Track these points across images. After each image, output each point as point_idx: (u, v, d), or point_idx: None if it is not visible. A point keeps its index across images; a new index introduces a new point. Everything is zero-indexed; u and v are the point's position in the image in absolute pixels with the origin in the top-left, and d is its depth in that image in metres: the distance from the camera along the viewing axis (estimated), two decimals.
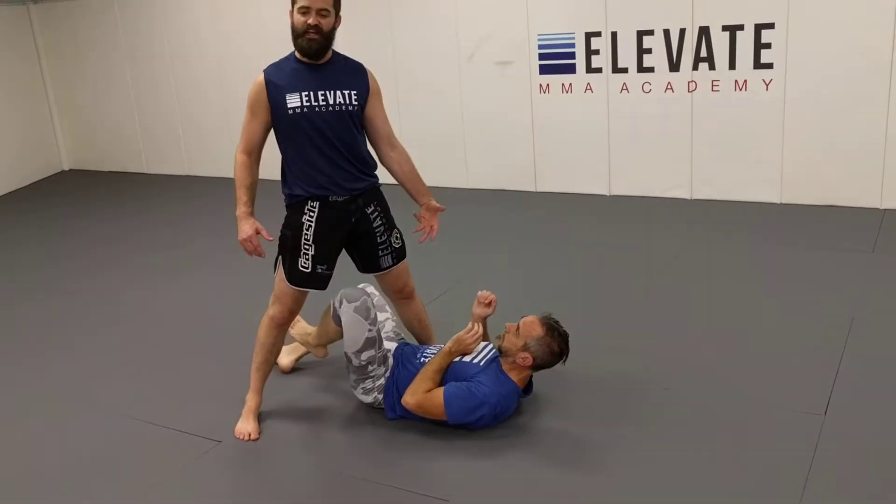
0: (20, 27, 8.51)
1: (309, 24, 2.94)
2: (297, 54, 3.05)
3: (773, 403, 3.10)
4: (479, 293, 3.25)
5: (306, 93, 3.01)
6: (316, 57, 3.02)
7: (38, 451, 3.20)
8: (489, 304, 3.23)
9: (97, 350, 4.13)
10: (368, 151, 3.20)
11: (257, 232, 3.08)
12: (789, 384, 3.24)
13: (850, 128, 5.34)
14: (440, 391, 2.98)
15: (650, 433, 2.98)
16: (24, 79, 8.57)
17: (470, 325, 3.13)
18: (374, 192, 3.23)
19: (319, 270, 3.12)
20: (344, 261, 3.31)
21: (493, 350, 3.13)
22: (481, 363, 3.08)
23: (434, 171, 6.76)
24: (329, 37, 3.01)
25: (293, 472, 2.94)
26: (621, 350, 3.64)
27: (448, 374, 3.06)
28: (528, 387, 3.14)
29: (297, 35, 2.98)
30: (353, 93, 3.07)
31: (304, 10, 2.94)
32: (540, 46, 6.18)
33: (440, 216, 3.37)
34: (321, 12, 2.95)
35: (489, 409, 2.96)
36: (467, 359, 3.10)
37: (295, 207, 3.13)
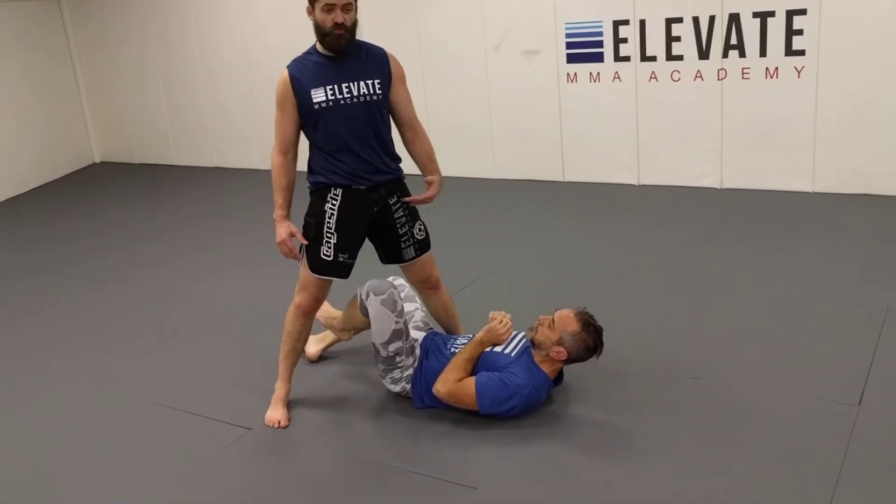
0: (52, 20, 8.60)
1: (336, 23, 2.93)
2: (318, 47, 3.04)
3: (807, 393, 3.06)
4: (491, 314, 3.13)
5: (331, 86, 3.01)
6: (344, 51, 3.02)
7: (69, 437, 3.26)
8: (506, 331, 3.08)
9: (128, 338, 4.18)
10: (393, 142, 3.20)
11: (292, 235, 3.11)
12: (823, 374, 3.19)
13: (884, 115, 5.25)
14: (472, 381, 2.98)
15: (681, 422, 2.96)
16: (55, 71, 8.66)
17: (500, 315, 3.12)
18: (398, 182, 3.23)
19: (341, 259, 3.13)
20: (370, 251, 3.32)
21: (525, 340, 3.12)
22: (513, 353, 3.07)
23: (461, 162, 6.80)
24: (354, 30, 3.01)
25: (322, 460, 2.96)
26: (651, 339, 3.62)
27: (479, 363, 3.06)
28: (558, 377, 3.13)
29: (324, 33, 2.97)
30: (376, 82, 3.07)
31: (329, 8, 2.92)
32: (567, 35, 6.13)
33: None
34: (345, 7, 2.94)
35: (520, 400, 2.95)
36: (499, 349, 3.09)
37: (318, 195, 3.14)
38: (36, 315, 4.67)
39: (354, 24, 3.00)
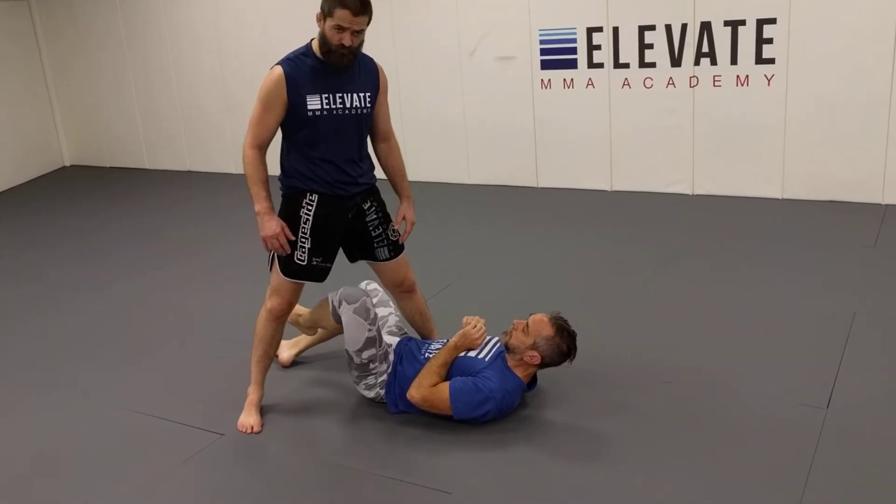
0: (21, 22, 8.51)
1: (343, 44, 2.89)
2: (315, 50, 2.98)
3: (776, 397, 3.10)
4: (465, 318, 3.15)
5: (326, 95, 2.97)
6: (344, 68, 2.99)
7: (40, 445, 3.21)
8: (480, 336, 3.11)
9: (98, 344, 4.13)
10: (369, 153, 3.21)
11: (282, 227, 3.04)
12: (791, 378, 3.24)
13: (852, 123, 5.34)
14: (446, 385, 2.99)
15: (652, 426, 2.98)
16: (24, 73, 8.56)
17: (475, 320, 3.13)
18: (372, 189, 3.24)
19: (315, 263, 3.11)
20: (343, 255, 3.32)
21: (499, 345, 3.13)
22: (486, 358, 3.08)
23: (436, 168, 6.82)
24: (358, 51, 2.97)
25: (296, 465, 2.94)
26: (623, 345, 3.64)
27: (453, 368, 3.06)
28: (532, 381, 3.15)
29: (329, 49, 2.91)
30: (367, 94, 3.07)
31: (340, 29, 2.86)
32: (541, 42, 6.17)
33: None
34: (356, 33, 2.89)
35: (494, 405, 2.96)
36: (472, 353, 3.10)
37: (292, 198, 3.10)
38: (8, 323, 4.59)
39: (360, 44, 2.96)
